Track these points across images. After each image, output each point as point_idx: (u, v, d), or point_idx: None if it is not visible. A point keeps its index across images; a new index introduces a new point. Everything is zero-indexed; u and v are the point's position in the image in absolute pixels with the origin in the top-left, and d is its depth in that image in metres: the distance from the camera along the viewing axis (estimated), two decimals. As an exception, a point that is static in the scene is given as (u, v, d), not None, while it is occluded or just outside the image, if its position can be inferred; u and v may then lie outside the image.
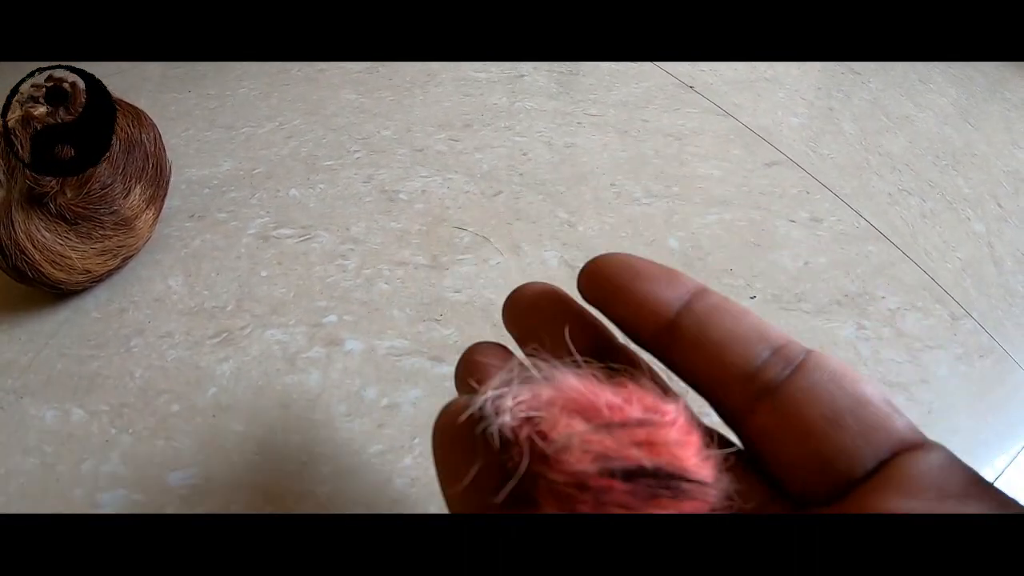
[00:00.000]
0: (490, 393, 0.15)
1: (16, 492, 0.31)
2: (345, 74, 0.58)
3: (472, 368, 0.20)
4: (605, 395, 0.14)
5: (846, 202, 0.50)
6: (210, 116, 0.53)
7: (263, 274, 0.41)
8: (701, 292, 0.16)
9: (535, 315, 0.19)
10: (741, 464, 0.15)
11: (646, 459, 0.13)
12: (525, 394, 0.15)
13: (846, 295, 0.43)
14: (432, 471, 0.32)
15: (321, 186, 0.47)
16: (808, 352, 0.15)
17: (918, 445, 0.14)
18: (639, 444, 0.14)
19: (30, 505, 0.31)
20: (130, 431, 0.33)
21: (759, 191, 0.50)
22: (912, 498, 0.12)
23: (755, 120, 0.57)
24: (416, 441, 0.33)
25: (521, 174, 0.49)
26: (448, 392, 0.35)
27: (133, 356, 0.36)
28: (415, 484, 0.32)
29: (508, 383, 0.15)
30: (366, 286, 0.40)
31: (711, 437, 0.15)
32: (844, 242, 0.47)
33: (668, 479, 0.13)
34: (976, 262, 0.47)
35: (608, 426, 0.14)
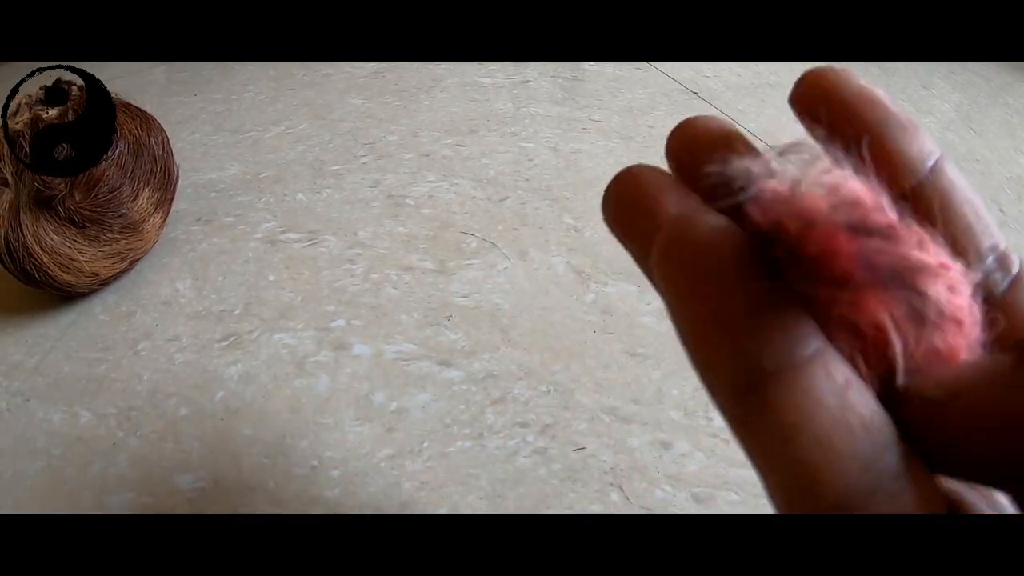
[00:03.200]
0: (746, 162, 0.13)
1: (24, 494, 0.31)
2: (351, 79, 0.58)
3: (632, 198, 0.15)
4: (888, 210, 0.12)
5: (850, 208, 0.50)
6: (216, 120, 0.53)
7: (271, 278, 0.41)
8: (943, 161, 0.15)
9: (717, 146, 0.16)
10: None
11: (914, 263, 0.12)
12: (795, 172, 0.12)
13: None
14: (442, 475, 0.32)
15: (328, 190, 0.47)
16: (1022, 263, 0.15)
17: None
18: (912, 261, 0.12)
19: (38, 507, 0.31)
20: (138, 434, 0.33)
21: (764, 196, 0.50)
22: None
23: (759, 126, 0.57)
24: (425, 445, 0.33)
25: (527, 179, 0.49)
26: (456, 397, 0.35)
27: (141, 359, 0.36)
28: (424, 488, 0.32)
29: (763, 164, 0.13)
30: (374, 291, 0.40)
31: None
32: (849, 247, 0.47)
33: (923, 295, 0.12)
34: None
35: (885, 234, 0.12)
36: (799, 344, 0.12)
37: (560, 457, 0.33)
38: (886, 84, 0.67)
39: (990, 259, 0.14)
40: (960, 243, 0.14)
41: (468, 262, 0.42)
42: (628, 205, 0.14)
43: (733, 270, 0.12)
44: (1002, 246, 0.14)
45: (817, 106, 0.14)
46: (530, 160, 0.51)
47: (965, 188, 0.14)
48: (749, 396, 0.12)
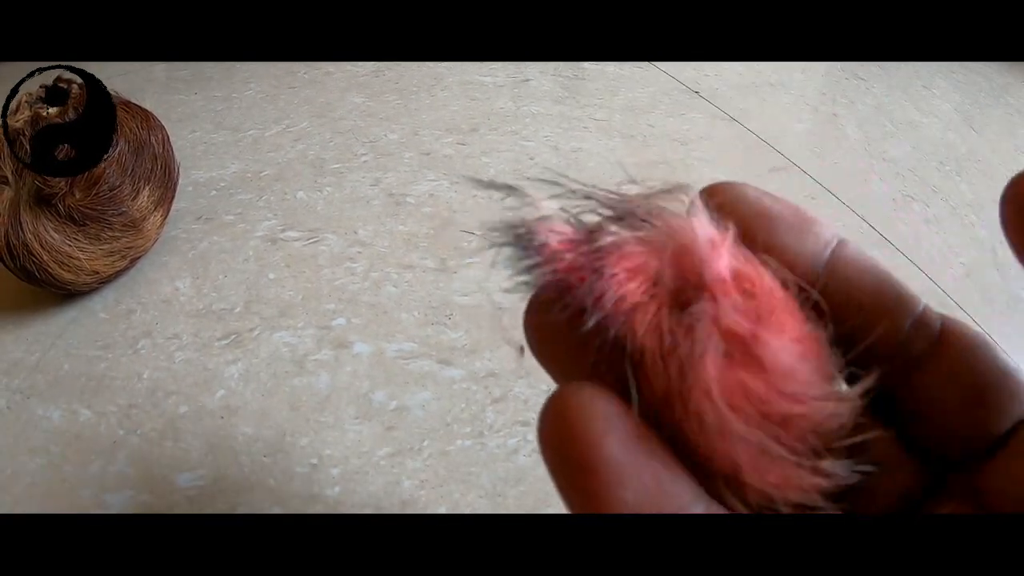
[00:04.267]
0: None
1: (23, 492, 0.31)
2: (352, 77, 0.58)
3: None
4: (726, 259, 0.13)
5: (850, 207, 0.50)
6: (217, 118, 0.53)
7: (271, 276, 0.41)
8: (841, 247, 0.15)
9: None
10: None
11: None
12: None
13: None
14: (442, 474, 0.32)
15: (328, 189, 0.47)
16: (943, 321, 0.15)
17: None
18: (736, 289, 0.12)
19: (37, 505, 0.31)
20: (138, 432, 0.33)
21: (764, 196, 0.50)
22: None
23: (760, 125, 0.57)
24: (425, 443, 0.33)
25: (528, 178, 0.49)
26: (457, 395, 0.35)
27: (141, 357, 0.36)
28: (424, 486, 0.32)
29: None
30: (374, 289, 0.40)
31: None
32: (850, 247, 0.47)
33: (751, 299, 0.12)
34: (979, 268, 0.48)
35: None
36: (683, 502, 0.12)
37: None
38: (887, 84, 0.67)
39: (906, 324, 0.14)
40: (871, 320, 0.14)
41: (469, 260, 0.42)
42: (561, 448, 0.12)
43: (601, 466, 0.12)
44: (919, 311, 0.14)
45: (722, 219, 0.14)
46: (531, 159, 0.51)
47: (869, 267, 0.14)
48: None
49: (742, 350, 0.12)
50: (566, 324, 0.13)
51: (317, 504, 0.31)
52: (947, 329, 0.14)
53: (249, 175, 0.48)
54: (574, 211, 0.14)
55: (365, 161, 0.50)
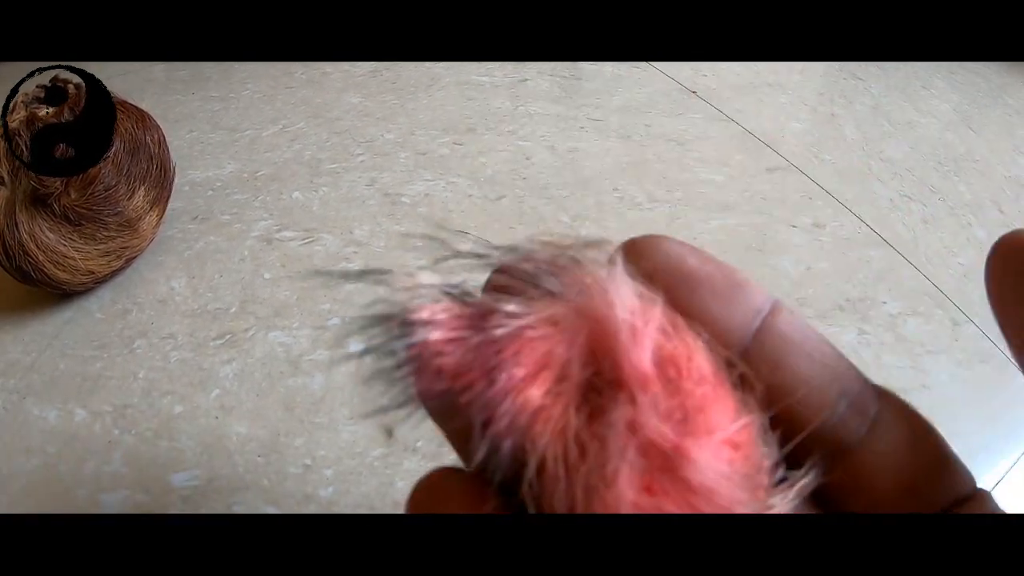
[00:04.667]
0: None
1: (19, 492, 0.31)
2: (348, 77, 0.58)
3: None
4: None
5: (848, 208, 0.50)
6: (214, 118, 0.53)
7: (266, 276, 0.41)
8: (772, 315, 0.13)
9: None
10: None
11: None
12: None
13: (848, 300, 0.43)
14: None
15: (324, 189, 0.47)
16: (881, 399, 0.14)
17: (971, 495, 0.14)
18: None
19: (33, 505, 0.31)
20: (133, 432, 0.33)
21: (761, 197, 0.50)
22: None
23: (757, 125, 0.57)
24: (419, 444, 0.33)
25: (524, 178, 0.49)
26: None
27: (136, 357, 0.36)
28: (417, 487, 0.32)
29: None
30: (369, 289, 0.40)
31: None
32: (846, 248, 0.47)
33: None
34: (977, 267, 0.47)
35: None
36: None
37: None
38: (885, 84, 0.67)
39: (841, 406, 0.13)
40: (804, 398, 0.13)
41: (464, 260, 0.42)
42: None
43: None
44: (856, 389, 0.13)
45: (644, 276, 0.13)
46: (527, 159, 0.51)
47: (802, 339, 0.13)
48: None
49: (662, 466, 0.10)
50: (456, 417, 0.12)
51: (311, 504, 0.31)
52: (883, 412, 0.14)
53: (245, 175, 0.48)
54: (460, 282, 0.12)
55: (361, 161, 0.50)
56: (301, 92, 0.56)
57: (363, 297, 0.40)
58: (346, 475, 0.32)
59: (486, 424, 0.10)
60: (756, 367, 0.13)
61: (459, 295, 0.11)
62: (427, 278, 0.11)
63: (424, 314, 0.11)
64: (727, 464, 0.11)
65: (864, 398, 0.14)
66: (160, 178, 0.42)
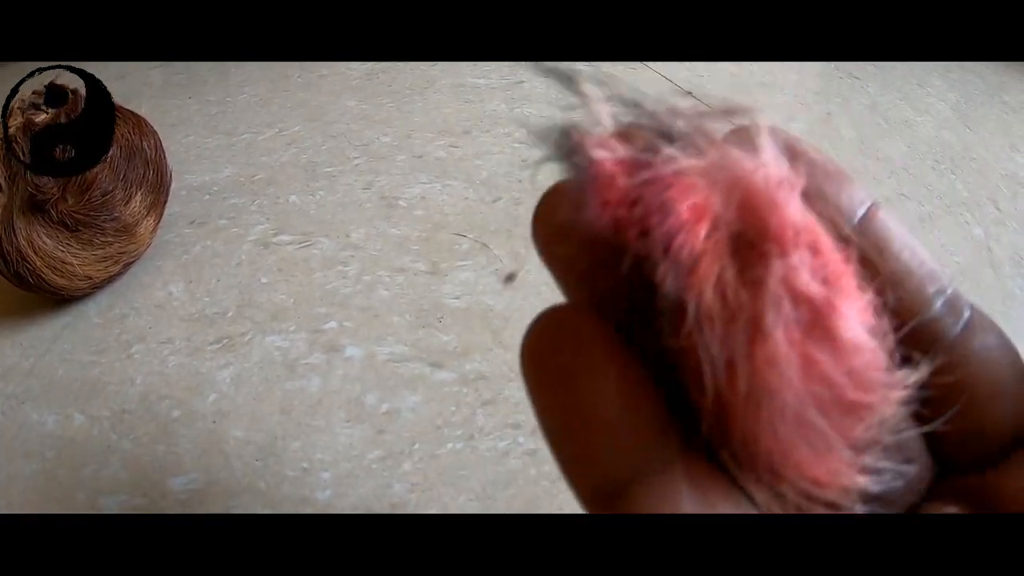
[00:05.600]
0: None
1: (17, 497, 0.31)
2: (345, 80, 0.58)
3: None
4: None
5: (844, 207, 0.50)
6: (211, 122, 0.53)
7: (263, 280, 0.41)
8: (876, 208, 0.14)
9: None
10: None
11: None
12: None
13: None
14: (432, 477, 0.32)
15: (321, 192, 0.47)
16: (972, 309, 0.14)
17: None
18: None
19: (31, 509, 0.31)
20: (131, 437, 0.34)
21: (757, 196, 0.50)
22: None
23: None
24: (416, 447, 0.33)
25: (520, 180, 0.49)
26: (447, 398, 0.36)
27: (134, 362, 0.37)
28: (415, 489, 0.32)
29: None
30: (366, 292, 0.41)
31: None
32: (842, 247, 0.47)
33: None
34: (974, 266, 0.47)
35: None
36: (661, 452, 0.11)
37: (551, 458, 0.33)
38: (882, 83, 0.67)
39: (938, 303, 0.13)
40: (903, 288, 0.13)
41: (460, 263, 0.43)
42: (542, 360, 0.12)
43: (591, 367, 0.12)
44: (950, 291, 0.14)
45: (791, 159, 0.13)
46: (524, 161, 0.51)
47: (903, 235, 0.14)
48: (610, 501, 0.12)
49: (815, 320, 0.11)
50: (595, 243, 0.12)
51: (308, 507, 0.31)
52: (975, 319, 0.14)
53: (242, 179, 0.48)
54: (628, 124, 0.12)
55: (357, 164, 0.50)
56: (297, 95, 0.56)
57: (360, 300, 0.40)
58: (343, 478, 0.32)
59: (663, 254, 0.11)
60: (862, 248, 0.13)
61: (628, 132, 0.12)
62: (601, 106, 0.12)
63: (599, 139, 0.11)
64: (868, 329, 0.11)
65: (957, 299, 0.14)
66: (157, 183, 0.42)
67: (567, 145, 0.11)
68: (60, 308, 0.39)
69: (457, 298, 0.40)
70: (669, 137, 0.11)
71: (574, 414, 0.12)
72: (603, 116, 0.12)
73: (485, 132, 0.54)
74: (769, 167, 0.11)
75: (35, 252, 0.36)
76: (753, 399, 0.10)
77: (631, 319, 0.12)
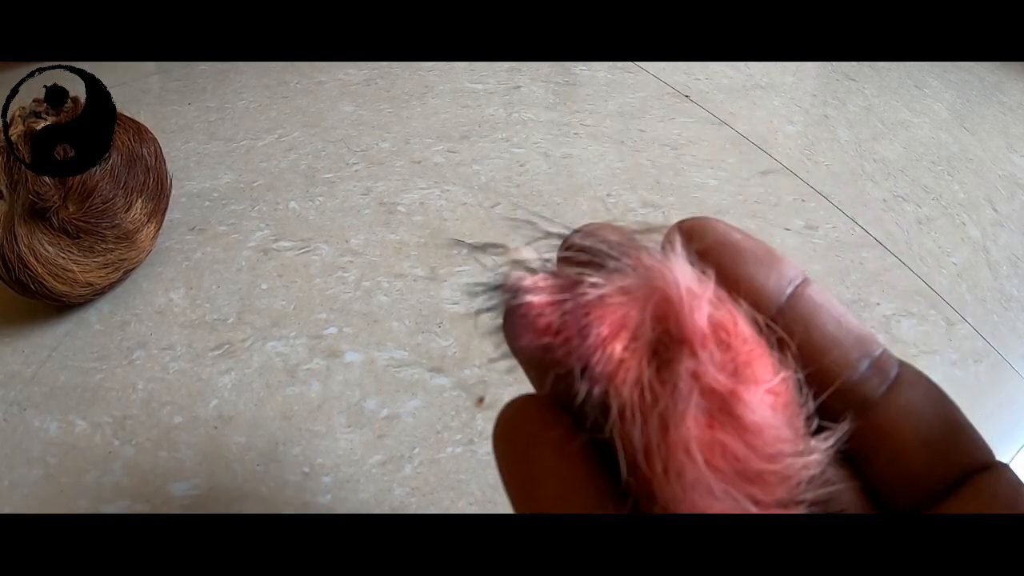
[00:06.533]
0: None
1: (20, 503, 0.32)
2: (343, 86, 0.59)
3: None
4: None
5: (841, 209, 0.51)
6: (210, 129, 0.53)
7: (263, 286, 0.41)
8: (804, 286, 0.15)
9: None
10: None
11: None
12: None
13: (841, 302, 0.44)
14: (432, 481, 0.33)
15: (320, 198, 0.47)
16: (900, 365, 0.15)
17: (991, 465, 0.15)
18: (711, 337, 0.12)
19: (34, 517, 0.31)
20: (133, 442, 0.34)
21: (755, 200, 0.51)
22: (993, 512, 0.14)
23: (751, 128, 0.58)
24: (416, 451, 0.34)
25: (518, 185, 0.50)
26: (447, 403, 0.36)
27: (135, 368, 0.37)
28: (415, 493, 0.32)
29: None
30: (365, 298, 0.41)
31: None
32: (839, 249, 0.47)
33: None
34: (971, 267, 0.48)
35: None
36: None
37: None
38: (878, 84, 0.67)
39: (863, 366, 0.15)
40: (827, 357, 0.15)
41: (459, 269, 0.43)
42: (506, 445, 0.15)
43: (550, 446, 0.14)
44: (877, 353, 0.15)
45: (695, 252, 0.15)
46: (521, 166, 0.51)
47: (829, 307, 0.15)
48: None
49: (720, 407, 0.12)
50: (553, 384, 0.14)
51: (309, 512, 0.32)
52: (903, 374, 0.15)
53: (242, 185, 0.48)
54: (549, 257, 0.14)
55: (356, 170, 0.50)
56: (296, 101, 0.57)
57: (359, 306, 0.40)
58: (344, 482, 0.32)
59: (582, 371, 0.13)
60: (789, 329, 0.15)
61: (550, 269, 0.14)
62: (527, 253, 0.14)
63: (527, 282, 0.14)
64: (772, 408, 0.13)
65: (884, 361, 0.15)
66: (157, 190, 0.42)
67: (502, 293, 0.14)
68: (61, 315, 0.39)
69: (456, 303, 0.41)
70: (598, 263, 0.14)
71: (527, 488, 0.14)
72: (531, 263, 0.14)
73: (483, 137, 0.54)
74: (679, 279, 0.13)
75: (36, 259, 0.37)
76: (669, 475, 0.12)
77: (577, 413, 0.14)
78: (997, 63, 0.72)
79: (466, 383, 0.36)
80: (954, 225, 0.51)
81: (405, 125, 0.54)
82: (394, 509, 0.32)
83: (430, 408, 0.35)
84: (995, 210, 0.53)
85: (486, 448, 0.34)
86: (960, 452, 0.14)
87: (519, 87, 0.60)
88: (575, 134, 0.55)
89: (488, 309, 0.14)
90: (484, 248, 0.14)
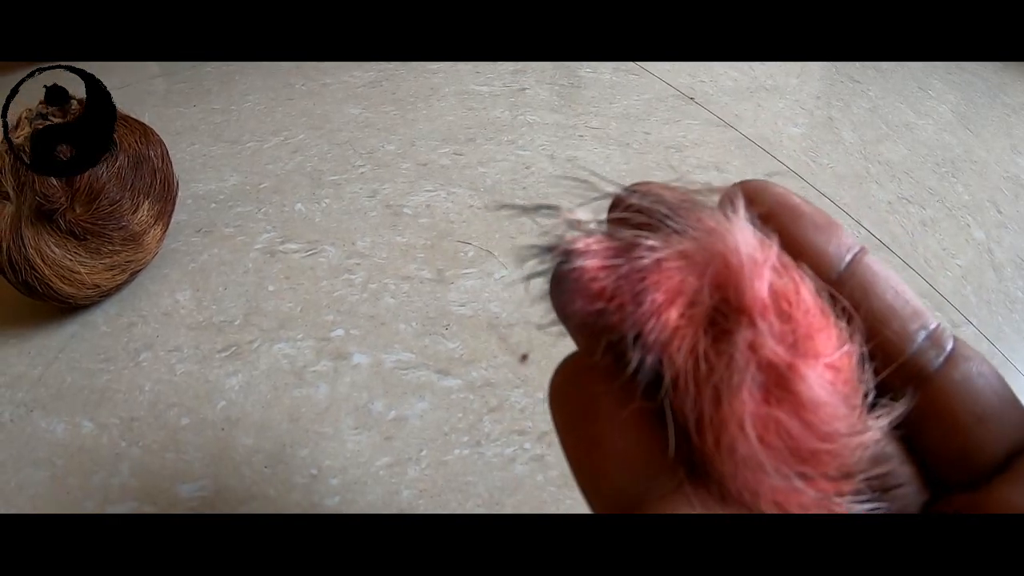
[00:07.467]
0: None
1: (27, 504, 0.32)
2: (349, 88, 0.59)
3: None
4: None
5: (846, 211, 0.51)
6: (216, 131, 0.53)
7: (270, 288, 0.41)
8: (862, 254, 0.15)
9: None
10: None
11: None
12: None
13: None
14: (440, 483, 0.33)
15: (327, 201, 0.47)
16: (955, 340, 0.15)
17: None
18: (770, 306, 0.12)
19: (42, 519, 0.31)
20: (140, 444, 0.34)
21: (760, 201, 0.51)
22: None
23: (755, 130, 0.58)
24: (423, 453, 0.34)
25: (524, 188, 0.50)
26: (454, 405, 0.36)
27: (142, 370, 0.37)
28: (423, 495, 0.32)
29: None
30: (372, 300, 0.41)
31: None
32: (845, 251, 0.47)
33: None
34: (976, 269, 0.48)
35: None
36: (669, 477, 0.13)
37: (557, 464, 0.33)
38: (882, 86, 0.67)
39: (921, 338, 0.15)
40: (887, 328, 0.14)
41: (465, 271, 0.43)
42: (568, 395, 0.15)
43: (606, 410, 0.13)
44: (933, 326, 0.15)
45: (756, 216, 0.14)
46: (527, 168, 0.51)
47: (887, 277, 0.15)
48: None
49: (777, 382, 0.12)
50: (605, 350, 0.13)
51: (316, 513, 0.32)
52: (958, 348, 0.15)
53: (248, 187, 0.48)
54: (606, 220, 0.14)
55: (363, 172, 0.50)
56: (301, 103, 0.57)
57: (366, 308, 0.40)
58: (352, 484, 0.32)
59: (635, 339, 0.12)
60: (850, 298, 0.14)
61: (605, 231, 0.13)
62: (583, 214, 0.13)
63: (581, 245, 0.13)
64: (831, 384, 0.12)
65: (941, 333, 0.15)
66: (164, 192, 0.42)
67: (554, 256, 0.13)
68: (68, 316, 0.39)
69: (463, 305, 0.41)
70: (654, 224, 0.13)
71: (593, 444, 0.14)
72: (586, 224, 0.13)
73: (489, 139, 0.54)
74: (741, 245, 0.12)
75: (43, 261, 0.37)
76: (720, 449, 0.12)
77: (628, 381, 0.13)
78: (1001, 64, 0.72)
79: (473, 385, 0.36)
80: (958, 227, 0.51)
81: (411, 127, 0.55)
82: (402, 511, 0.32)
83: (437, 410, 0.35)
84: (999, 212, 0.53)
85: (493, 450, 0.34)
86: (1014, 429, 0.14)
87: (524, 89, 0.60)
88: (580, 136, 0.55)
89: (539, 273, 0.13)
90: (537, 210, 0.13)
